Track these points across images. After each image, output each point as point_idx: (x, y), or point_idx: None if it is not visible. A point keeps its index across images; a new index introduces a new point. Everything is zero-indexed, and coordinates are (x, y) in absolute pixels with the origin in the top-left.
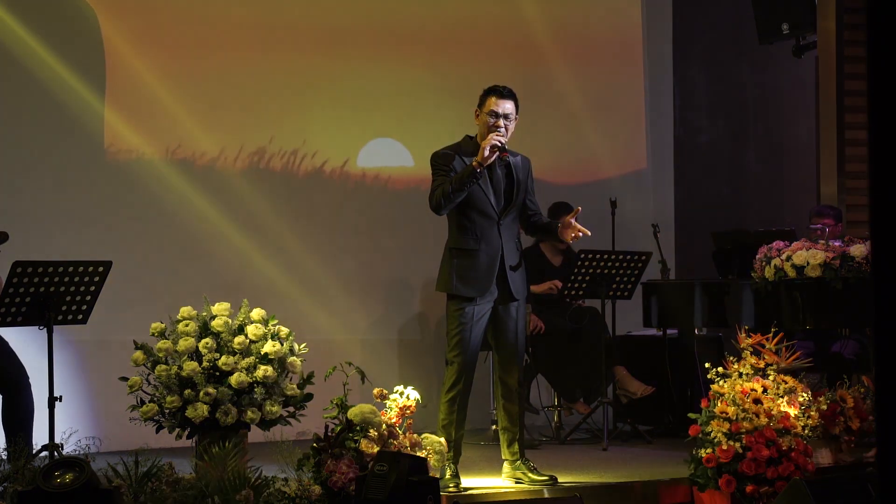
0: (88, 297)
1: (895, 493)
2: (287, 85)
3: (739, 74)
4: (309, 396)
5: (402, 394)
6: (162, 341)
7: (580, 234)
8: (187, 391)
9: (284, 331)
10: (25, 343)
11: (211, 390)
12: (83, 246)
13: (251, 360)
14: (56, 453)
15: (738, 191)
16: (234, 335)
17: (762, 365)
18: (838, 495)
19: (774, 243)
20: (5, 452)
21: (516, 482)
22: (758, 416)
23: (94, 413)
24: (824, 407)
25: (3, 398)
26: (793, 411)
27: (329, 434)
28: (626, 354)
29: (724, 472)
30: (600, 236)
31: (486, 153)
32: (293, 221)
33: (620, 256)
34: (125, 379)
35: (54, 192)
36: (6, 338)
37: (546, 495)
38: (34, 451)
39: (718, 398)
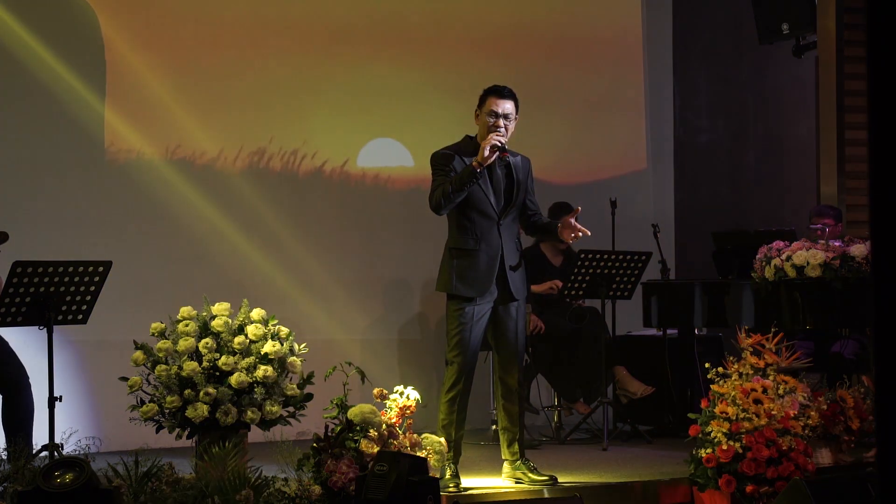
0: (88, 297)
1: (895, 493)
2: (287, 85)
3: (739, 74)
4: (309, 396)
5: (402, 394)
6: (162, 341)
7: (580, 234)
8: (187, 391)
9: (284, 331)
10: (25, 343)
11: (211, 390)
12: (83, 246)
13: (251, 360)
14: (56, 453)
15: (738, 191)
16: (234, 335)
17: (762, 365)
18: (838, 495)
19: (774, 243)
20: (5, 452)
21: (516, 482)
22: (758, 416)
23: (94, 413)
24: (824, 407)
25: (3, 398)
26: (791, 412)
27: (329, 434)
28: (626, 354)
29: (724, 472)
30: (600, 236)
31: (486, 153)
32: (293, 221)
33: (620, 256)
34: (125, 379)
35: (54, 192)
36: (6, 338)
37: (546, 495)
38: (34, 451)
39: (718, 398)
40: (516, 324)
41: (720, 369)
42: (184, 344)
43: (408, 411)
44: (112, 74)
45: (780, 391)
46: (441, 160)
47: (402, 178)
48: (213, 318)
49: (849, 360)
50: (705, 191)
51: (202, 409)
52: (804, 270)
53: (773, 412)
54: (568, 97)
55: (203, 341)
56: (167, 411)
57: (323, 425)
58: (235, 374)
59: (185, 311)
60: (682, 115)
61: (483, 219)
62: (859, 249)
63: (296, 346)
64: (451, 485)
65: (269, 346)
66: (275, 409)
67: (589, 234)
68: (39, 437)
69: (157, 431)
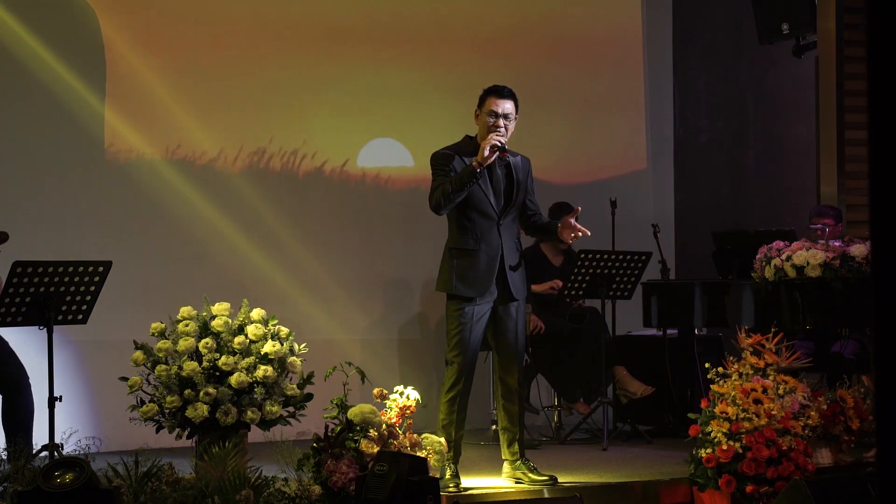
0: (88, 297)
1: (895, 493)
2: (287, 85)
3: (739, 74)
4: (309, 396)
5: (402, 394)
6: (162, 341)
7: (580, 234)
8: (187, 391)
9: (284, 331)
10: (25, 343)
11: (211, 390)
12: (83, 246)
13: (251, 360)
14: (56, 453)
15: (738, 191)
16: (234, 335)
17: (762, 365)
18: (838, 495)
19: (774, 243)
20: (5, 452)
21: (516, 482)
22: (758, 416)
23: (94, 413)
24: (824, 407)
25: (3, 398)
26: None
27: (329, 434)
28: (626, 354)
29: (724, 472)
30: (600, 236)
31: (486, 153)
32: (293, 221)
33: (620, 256)
34: (125, 379)
35: (54, 192)
36: (6, 338)
37: (546, 495)
38: (34, 451)
39: (718, 398)
40: (516, 324)
41: (720, 369)
42: (184, 344)
43: (408, 411)
44: (112, 74)
45: (780, 391)
46: (441, 160)
47: (402, 178)
48: (213, 318)
49: (849, 360)
50: (705, 191)
51: (202, 409)
52: (804, 270)
53: (773, 412)
54: (568, 97)
55: (203, 341)
56: (167, 411)
57: (323, 425)
58: (235, 374)
59: (185, 311)
60: (682, 114)
61: (483, 219)
62: (859, 249)
63: (296, 346)
64: (451, 485)
65: (269, 346)
66: (275, 409)
67: (589, 234)
68: (39, 437)
69: (157, 431)
